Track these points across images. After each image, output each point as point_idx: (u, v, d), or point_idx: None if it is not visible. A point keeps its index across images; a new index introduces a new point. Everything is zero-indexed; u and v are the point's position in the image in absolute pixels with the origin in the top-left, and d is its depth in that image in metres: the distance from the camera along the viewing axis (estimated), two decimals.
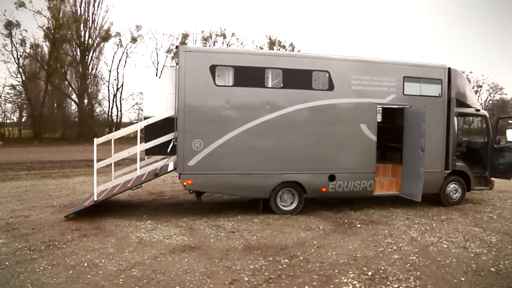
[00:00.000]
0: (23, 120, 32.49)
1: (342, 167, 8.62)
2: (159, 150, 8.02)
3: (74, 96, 37.60)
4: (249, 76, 8.07)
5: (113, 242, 6.36)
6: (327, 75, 8.47)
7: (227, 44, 44.92)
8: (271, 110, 8.17)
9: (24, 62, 31.18)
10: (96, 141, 7.70)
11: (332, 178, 8.57)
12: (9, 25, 29.43)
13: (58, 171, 12.39)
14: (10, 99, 31.35)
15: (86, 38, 37.98)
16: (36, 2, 31.80)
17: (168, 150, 7.89)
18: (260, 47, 47.07)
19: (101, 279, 4.85)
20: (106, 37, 37.34)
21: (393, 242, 6.57)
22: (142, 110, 7.97)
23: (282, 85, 8.30)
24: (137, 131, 8.30)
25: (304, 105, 8.35)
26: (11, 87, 30.25)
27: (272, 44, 47.52)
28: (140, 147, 7.89)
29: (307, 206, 8.94)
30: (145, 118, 7.98)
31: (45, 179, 12.97)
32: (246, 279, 4.95)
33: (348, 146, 8.66)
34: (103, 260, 5.48)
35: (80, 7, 37.87)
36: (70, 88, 37.61)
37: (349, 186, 8.71)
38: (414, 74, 9.06)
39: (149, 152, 8.10)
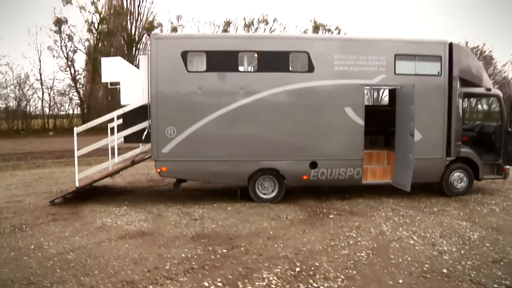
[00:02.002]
0: (74, 111, 35.22)
1: (324, 154, 8.12)
2: (136, 137, 8.17)
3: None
4: (222, 60, 7.86)
5: (77, 226, 6.66)
6: (306, 56, 7.96)
7: (270, 30, 44.23)
8: (245, 95, 7.90)
9: (73, 56, 33.60)
10: (76, 129, 8.05)
11: (313, 165, 8.12)
12: (58, 22, 31.85)
13: (83, 159, 13.19)
14: (62, 92, 34.12)
15: (133, 31, 39.86)
16: None
17: (143, 138, 8.01)
18: (304, 31, 45.72)
19: (34, 261, 5.09)
20: (149, 28, 38.68)
21: (354, 236, 6.07)
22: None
23: (257, 68, 7.98)
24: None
25: (281, 88, 7.95)
26: (60, 81, 32.80)
27: (316, 28, 45.85)
28: (117, 135, 8.12)
29: (294, 195, 8.65)
30: (123, 107, 8.16)
31: (67, 167, 13.92)
32: (167, 267, 4.89)
33: (331, 131, 8.13)
34: (51, 243, 5.76)
35: (126, 0, 39.77)
36: None
37: (333, 174, 8.20)
38: (407, 51, 8.19)
39: (127, 139, 8.30)
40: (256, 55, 7.89)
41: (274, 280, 4.52)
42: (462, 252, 5.35)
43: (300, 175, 8.15)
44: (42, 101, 33.41)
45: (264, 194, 8.28)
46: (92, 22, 33.88)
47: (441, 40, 8.28)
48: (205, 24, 47.94)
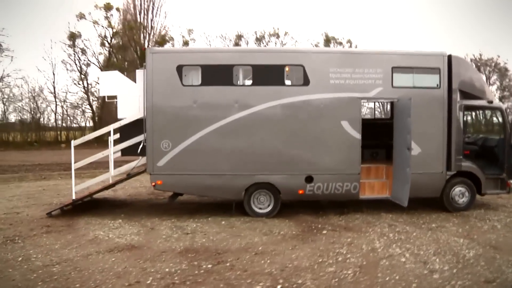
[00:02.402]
0: (87, 124, 35.92)
1: (320, 168, 8.01)
2: (133, 150, 8.24)
3: None
4: (216, 74, 7.90)
5: (69, 239, 6.70)
6: (302, 69, 7.94)
7: (281, 44, 44.47)
8: (240, 109, 7.91)
9: (86, 70, 34.40)
10: (73, 142, 8.18)
11: (309, 179, 8.01)
12: (72, 36, 32.81)
13: (89, 171, 13.37)
14: (75, 105, 34.91)
15: (146, 45, 40.71)
16: (94, 13, 34.24)
17: (138, 151, 8.06)
18: (315, 44, 45.83)
19: (19, 273, 5.13)
20: (161, 42, 39.48)
21: (344, 252, 5.92)
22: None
23: (251, 82, 8.00)
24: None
25: (276, 102, 7.93)
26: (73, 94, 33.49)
27: (327, 41, 45.89)
28: (114, 148, 8.21)
29: (290, 209, 8.55)
30: (119, 120, 8.27)
31: (78, 179, 14.08)
32: (148, 282, 4.86)
33: (327, 145, 8.02)
34: (39, 256, 5.80)
35: (140, 14, 40.77)
36: None
37: (330, 188, 8.06)
38: (405, 64, 8.08)
39: (124, 152, 8.37)
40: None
41: None
42: (454, 271, 5.14)
43: (296, 190, 8.04)
44: (55, 113, 34.25)
45: (260, 208, 8.19)
46: (105, 36, 34.78)
47: (440, 52, 8.15)
48: (216, 38, 48.61)
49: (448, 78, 8.11)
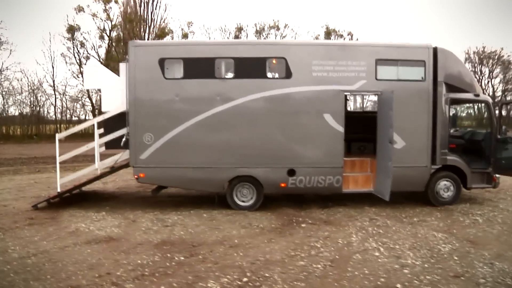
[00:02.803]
0: (86, 117, 36.02)
1: (303, 161, 7.99)
2: (117, 144, 8.26)
3: None
4: (198, 67, 7.87)
5: (50, 231, 6.76)
6: (284, 62, 7.88)
7: (281, 36, 44.11)
8: (222, 102, 7.88)
9: (86, 63, 34.36)
10: (58, 135, 8.23)
11: (291, 172, 7.99)
12: (71, 29, 32.80)
13: (86, 164, 13.45)
14: (74, 98, 35.03)
15: (146, 37, 40.61)
16: (93, 5, 34.24)
17: (122, 144, 8.09)
18: (316, 37, 45.38)
19: None
20: (160, 35, 39.33)
21: (319, 246, 5.91)
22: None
23: (233, 75, 7.97)
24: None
25: (257, 95, 7.89)
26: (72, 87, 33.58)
27: (328, 34, 45.39)
28: (98, 141, 8.24)
29: (276, 202, 8.55)
30: (103, 113, 8.29)
31: (66, 172, 14.15)
32: (119, 273, 4.89)
33: (309, 138, 7.99)
34: (17, 248, 5.86)
35: (140, 7, 40.61)
36: None
37: (312, 182, 8.04)
38: (389, 56, 7.98)
39: (108, 145, 8.41)
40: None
41: None
42: (426, 265, 5.12)
43: (278, 183, 8.03)
44: (55, 107, 34.36)
45: (243, 201, 8.20)
46: (104, 29, 34.71)
47: (425, 45, 8.04)
48: (216, 31, 48.32)
49: (434, 71, 8.01)
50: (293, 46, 8.03)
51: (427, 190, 8.29)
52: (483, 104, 8.55)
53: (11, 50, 34.24)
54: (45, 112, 33.83)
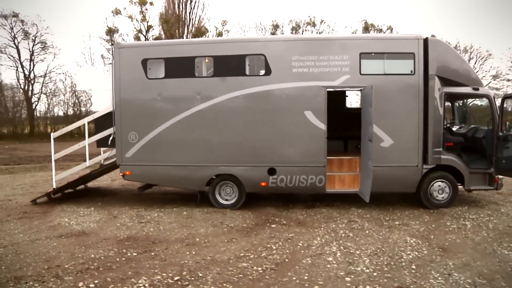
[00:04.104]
0: None
1: (283, 160, 7.79)
2: (106, 142, 8.62)
3: None
4: (179, 66, 7.96)
5: (34, 224, 7.22)
6: (263, 58, 7.72)
7: (318, 32, 43.18)
8: (202, 100, 7.91)
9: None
10: (53, 135, 8.76)
11: (272, 171, 7.83)
12: (110, 31, 34.68)
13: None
14: None
15: (184, 37, 41.81)
16: (129, 8, 36.05)
17: (109, 143, 8.42)
18: (353, 32, 43.91)
19: None
20: (196, 34, 40.31)
21: (274, 248, 5.73)
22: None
23: (213, 73, 7.95)
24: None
25: (237, 93, 7.82)
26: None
27: (366, 29, 43.69)
28: (88, 140, 8.66)
29: (263, 201, 8.43)
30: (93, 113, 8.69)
31: (86, 169, 15.04)
32: (67, 266, 5.10)
33: (290, 136, 7.77)
34: None
35: (179, 7, 41.88)
36: None
37: (294, 181, 7.82)
38: (374, 50, 7.52)
39: (99, 144, 8.80)
40: (207, 60, 7.87)
41: (145, 287, 4.49)
42: (375, 274, 4.77)
43: (258, 182, 7.90)
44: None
45: (226, 200, 8.19)
46: (140, 30, 36.21)
47: (414, 36, 7.45)
48: (251, 29, 48.36)
49: (425, 63, 7.41)
50: (271, 42, 7.83)
51: (419, 191, 7.72)
52: (484, 99, 7.75)
53: (54, 54, 36.94)
54: (87, 112, 36.13)
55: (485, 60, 36.58)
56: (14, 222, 7.36)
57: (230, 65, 7.80)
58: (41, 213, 8.06)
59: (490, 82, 36.01)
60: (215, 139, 7.94)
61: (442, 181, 7.67)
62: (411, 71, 7.42)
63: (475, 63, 35.82)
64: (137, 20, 36.10)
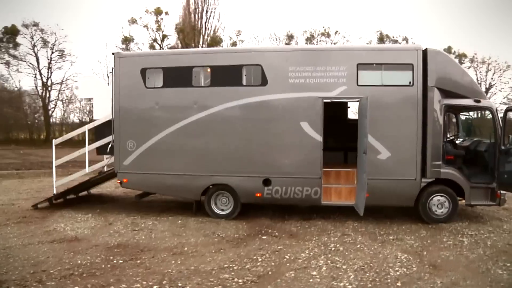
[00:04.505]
0: None
1: (278, 171, 7.72)
2: (105, 150, 8.75)
3: None
4: (177, 76, 8.06)
5: (30, 229, 7.34)
6: (260, 69, 7.73)
7: (332, 43, 43.07)
8: (199, 110, 7.96)
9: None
10: (54, 141, 8.96)
11: (267, 182, 7.77)
12: (126, 40, 35.53)
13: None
14: None
15: (199, 47, 42.46)
16: (145, 17, 36.72)
17: (108, 150, 8.54)
18: (368, 43, 43.61)
19: None
20: (210, 44, 40.85)
21: (260, 260, 5.64)
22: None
23: (210, 83, 8.00)
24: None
25: (233, 103, 7.83)
26: None
27: (381, 39, 43.32)
28: (88, 147, 8.83)
29: (259, 212, 8.36)
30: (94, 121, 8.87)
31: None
32: (52, 271, 5.16)
33: (285, 147, 7.71)
34: None
35: (195, 17, 42.58)
36: None
37: (289, 192, 7.73)
38: (372, 60, 7.44)
39: (99, 151, 8.94)
40: (208, 70, 7.93)
41: None
42: None
43: (253, 192, 7.84)
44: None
45: (222, 210, 8.16)
46: (155, 39, 36.93)
47: (413, 46, 7.36)
48: (265, 39, 48.57)
49: (424, 75, 7.28)
50: (268, 52, 7.86)
51: (418, 205, 7.51)
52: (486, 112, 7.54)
53: (71, 62, 37.92)
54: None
55: (503, 72, 35.95)
56: (11, 226, 7.51)
57: (227, 75, 7.84)
58: (39, 218, 8.21)
59: (509, 94, 35.16)
60: (211, 149, 7.95)
61: (441, 195, 7.44)
62: (410, 83, 7.30)
63: (493, 75, 35.22)
64: (152, 30, 36.86)
